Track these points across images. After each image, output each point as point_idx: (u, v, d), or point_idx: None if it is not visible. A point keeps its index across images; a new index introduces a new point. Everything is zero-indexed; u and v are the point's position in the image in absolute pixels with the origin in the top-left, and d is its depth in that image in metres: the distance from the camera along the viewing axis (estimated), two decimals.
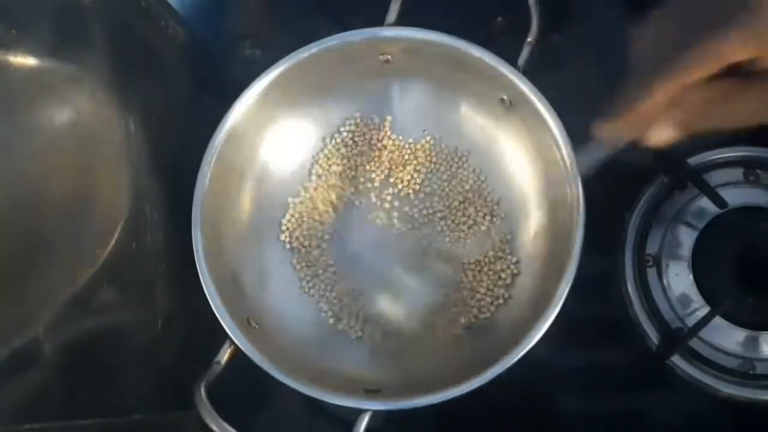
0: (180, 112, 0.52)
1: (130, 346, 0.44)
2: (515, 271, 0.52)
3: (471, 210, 0.54)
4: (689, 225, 0.53)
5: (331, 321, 0.53)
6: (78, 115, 0.39)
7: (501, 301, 0.52)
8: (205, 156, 0.49)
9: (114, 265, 0.41)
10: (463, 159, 0.55)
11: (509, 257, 0.53)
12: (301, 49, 0.50)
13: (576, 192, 0.47)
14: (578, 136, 0.47)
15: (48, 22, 0.37)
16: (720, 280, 0.51)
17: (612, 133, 0.39)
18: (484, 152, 0.55)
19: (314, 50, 0.50)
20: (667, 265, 0.52)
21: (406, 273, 0.54)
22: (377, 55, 0.52)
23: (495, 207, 0.54)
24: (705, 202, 0.52)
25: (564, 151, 0.47)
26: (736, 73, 0.33)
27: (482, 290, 0.52)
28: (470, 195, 0.54)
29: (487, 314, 0.52)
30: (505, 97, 0.51)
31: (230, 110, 0.50)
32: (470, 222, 0.54)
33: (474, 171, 0.55)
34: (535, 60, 0.50)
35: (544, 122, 0.48)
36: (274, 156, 0.55)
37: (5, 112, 0.34)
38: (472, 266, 0.53)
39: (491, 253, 0.53)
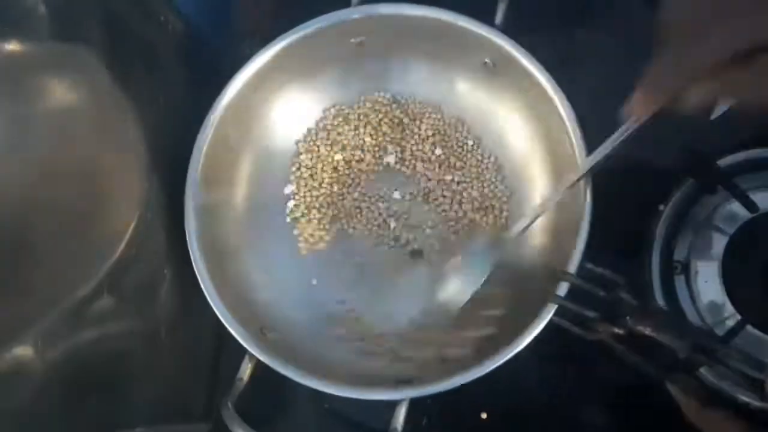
0: (180, 112, 0.51)
1: (132, 356, 0.43)
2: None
3: (476, 188, 0.53)
4: (719, 229, 0.51)
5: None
6: (78, 116, 0.39)
7: None
8: (192, 157, 0.49)
9: (114, 272, 0.40)
10: (461, 130, 0.54)
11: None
12: (277, 39, 0.50)
13: (578, 151, 0.46)
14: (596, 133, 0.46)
15: (46, 16, 0.36)
16: (751, 287, 0.50)
17: (641, 105, 0.38)
18: (479, 121, 0.54)
19: (289, 39, 0.50)
20: (696, 272, 0.51)
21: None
22: (350, 39, 0.51)
23: (497, 184, 0.53)
24: (736, 206, 0.51)
25: (558, 105, 0.46)
26: None
27: None
28: (475, 168, 0.53)
29: None
30: (488, 60, 0.50)
31: (211, 112, 0.49)
32: (475, 200, 0.53)
33: (472, 141, 0.54)
34: (558, 53, 0.48)
35: (533, 80, 0.47)
36: (265, 154, 0.54)
37: None
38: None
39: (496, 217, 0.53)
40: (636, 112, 0.39)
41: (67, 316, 0.37)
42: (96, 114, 0.40)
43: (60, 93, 0.37)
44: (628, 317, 0.40)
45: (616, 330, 0.40)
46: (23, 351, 0.34)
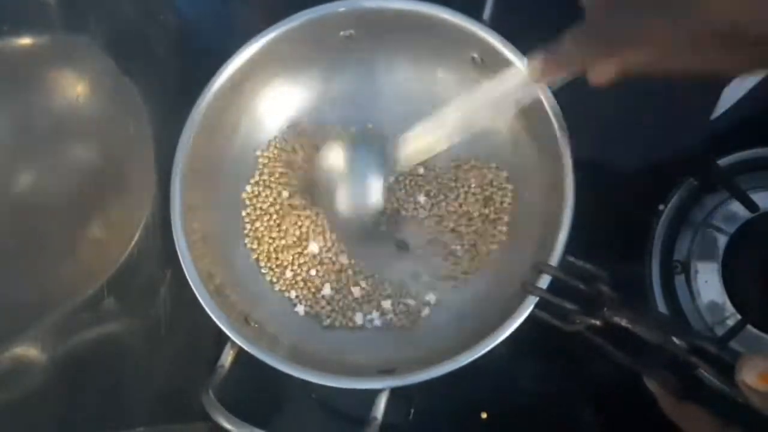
0: (178, 108, 0.50)
1: (132, 355, 0.44)
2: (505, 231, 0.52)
3: (463, 176, 0.53)
4: (719, 229, 0.51)
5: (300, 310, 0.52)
6: (86, 107, 0.38)
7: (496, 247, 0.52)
8: (177, 150, 0.48)
9: (119, 273, 0.40)
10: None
11: (502, 217, 0.52)
12: (265, 31, 0.49)
13: (562, 145, 0.46)
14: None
15: (56, 8, 0.36)
16: (751, 286, 0.49)
17: (542, 70, 0.40)
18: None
19: (276, 32, 0.49)
20: (696, 272, 0.51)
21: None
22: (339, 32, 0.51)
23: (489, 170, 0.53)
24: (736, 206, 0.51)
25: (543, 100, 0.46)
26: None
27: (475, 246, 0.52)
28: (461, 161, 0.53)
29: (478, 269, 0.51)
30: (475, 56, 0.50)
31: (197, 104, 0.48)
32: (461, 188, 0.53)
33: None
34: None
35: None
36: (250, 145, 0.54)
37: None
38: (462, 228, 0.52)
39: (485, 211, 0.53)
40: (535, 76, 0.41)
41: (68, 316, 0.36)
42: (104, 105, 0.40)
43: (69, 84, 0.37)
44: (605, 309, 0.40)
45: (593, 321, 0.40)
46: (25, 351, 0.34)
